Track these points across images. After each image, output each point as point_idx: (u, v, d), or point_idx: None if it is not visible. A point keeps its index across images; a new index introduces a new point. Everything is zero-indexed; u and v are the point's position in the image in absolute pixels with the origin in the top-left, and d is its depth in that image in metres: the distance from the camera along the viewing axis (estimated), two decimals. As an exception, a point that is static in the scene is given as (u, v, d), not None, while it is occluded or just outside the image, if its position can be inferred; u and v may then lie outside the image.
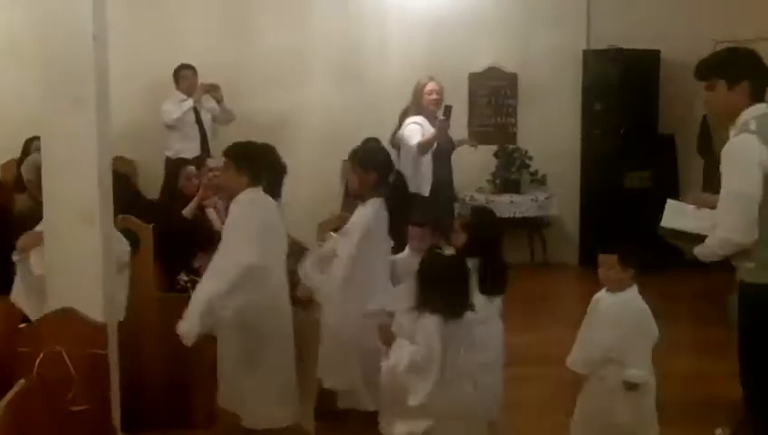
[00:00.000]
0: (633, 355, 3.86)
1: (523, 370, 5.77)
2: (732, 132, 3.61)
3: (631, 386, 3.84)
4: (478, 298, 4.00)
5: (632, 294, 3.96)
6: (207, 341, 4.85)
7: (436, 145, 6.58)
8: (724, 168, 3.50)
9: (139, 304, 4.81)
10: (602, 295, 4.01)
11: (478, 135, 8.22)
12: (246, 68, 8.51)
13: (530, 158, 8.54)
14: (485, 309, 4.11)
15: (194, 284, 5.59)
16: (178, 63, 8.05)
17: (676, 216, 3.87)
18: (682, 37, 8.40)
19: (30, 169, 6.05)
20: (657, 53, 8.45)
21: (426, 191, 6.58)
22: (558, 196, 8.48)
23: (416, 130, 6.57)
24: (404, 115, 6.79)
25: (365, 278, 4.55)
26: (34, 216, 4.29)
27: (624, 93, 8.37)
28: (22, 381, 3.07)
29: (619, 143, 8.35)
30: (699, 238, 3.62)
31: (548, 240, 8.59)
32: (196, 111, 8.04)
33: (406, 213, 4.80)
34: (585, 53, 8.71)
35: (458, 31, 8.55)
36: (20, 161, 6.92)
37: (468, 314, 3.79)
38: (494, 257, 4.33)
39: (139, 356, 4.63)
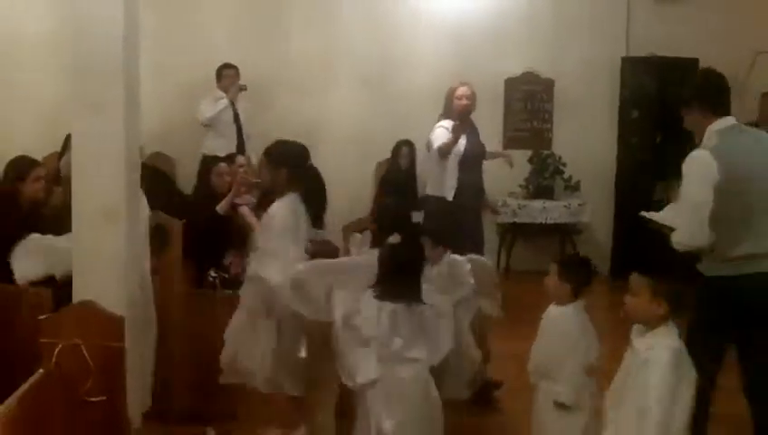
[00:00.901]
0: (561, 373, 3.77)
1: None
2: None
3: (559, 405, 3.76)
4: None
5: (570, 310, 3.82)
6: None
7: (463, 150, 6.61)
8: (683, 178, 3.86)
9: (167, 299, 4.93)
10: (551, 307, 3.93)
11: (513, 140, 8.25)
12: (276, 71, 8.62)
13: (564, 164, 8.51)
14: (445, 303, 4.09)
15: (223, 280, 5.70)
16: (210, 64, 8.20)
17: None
18: (721, 46, 8.32)
19: (66, 166, 6.19)
20: (695, 61, 8.37)
21: (449, 195, 6.62)
22: (591, 203, 8.43)
23: (441, 133, 6.60)
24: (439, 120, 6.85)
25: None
26: (68, 209, 4.40)
27: (662, 102, 8.30)
28: (41, 370, 3.18)
29: (655, 152, 8.29)
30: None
31: (579, 248, 8.55)
32: (233, 109, 8.16)
33: (321, 207, 4.80)
34: (623, 60, 8.66)
35: (493, 36, 8.56)
36: (60, 155, 7.08)
37: (422, 305, 3.83)
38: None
39: (165, 350, 4.75)
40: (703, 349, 3.60)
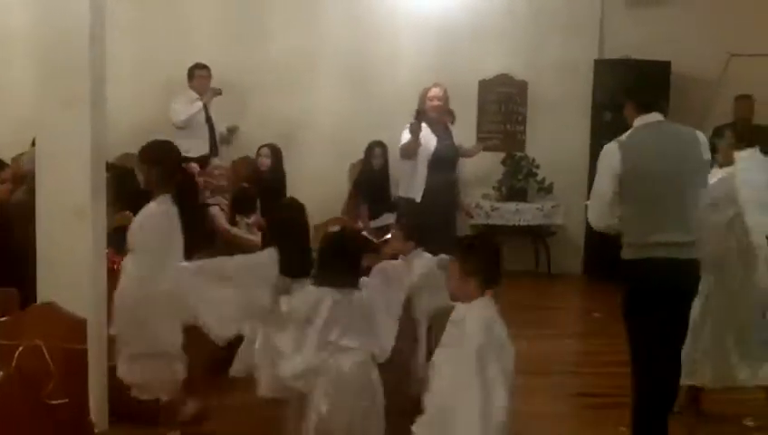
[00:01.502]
0: None
1: (522, 379, 5.78)
2: None
3: None
4: None
5: (475, 308, 3.40)
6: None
7: (433, 151, 6.58)
8: None
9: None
10: (458, 304, 3.58)
11: (486, 142, 8.22)
12: (257, 70, 8.57)
13: (537, 166, 8.53)
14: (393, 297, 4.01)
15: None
16: (190, 63, 8.10)
17: None
18: (694, 49, 8.38)
19: (29, 161, 6.10)
20: (667, 64, 8.40)
21: (417, 196, 6.59)
22: (564, 205, 8.45)
23: (407, 134, 6.55)
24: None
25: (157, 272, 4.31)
26: (32, 207, 4.33)
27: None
28: (0, 373, 3.10)
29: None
30: None
31: (552, 250, 8.55)
32: (206, 109, 8.08)
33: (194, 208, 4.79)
34: (596, 62, 8.68)
35: (469, 37, 8.55)
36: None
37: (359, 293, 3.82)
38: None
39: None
40: (640, 333, 4.04)
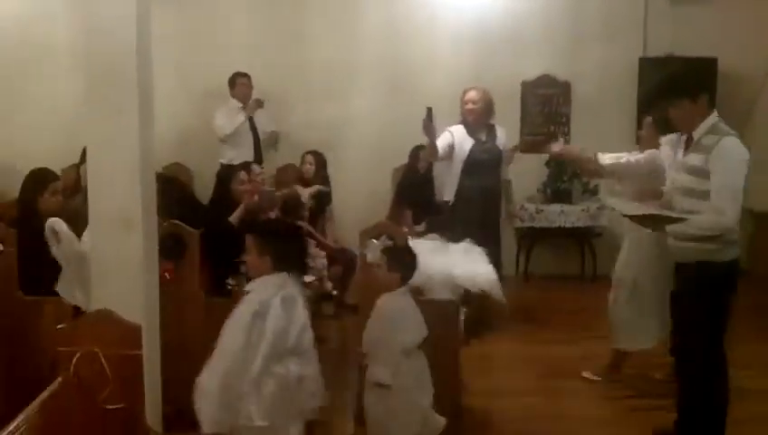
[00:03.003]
0: (379, 354, 4.09)
1: (564, 383, 5.78)
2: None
3: (379, 384, 4.05)
4: None
5: (395, 297, 4.17)
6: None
7: (467, 154, 6.59)
8: (717, 164, 4.10)
9: (185, 307, 4.94)
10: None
11: (530, 143, 8.21)
12: (297, 78, 8.67)
13: (582, 167, 8.47)
14: None
15: (241, 288, 5.71)
16: (231, 71, 8.20)
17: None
18: (740, 45, 8.29)
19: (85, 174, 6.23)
20: (714, 61, 8.32)
21: (448, 196, 6.69)
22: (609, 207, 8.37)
23: (442, 137, 6.59)
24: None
25: None
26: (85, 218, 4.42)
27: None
28: (59, 379, 3.18)
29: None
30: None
31: (598, 252, 8.48)
32: (250, 118, 8.17)
33: None
34: (641, 60, 8.62)
35: (510, 39, 8.55)
36: (79, 166, 7.13)
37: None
38: None
39: (183, 358, 4.74)
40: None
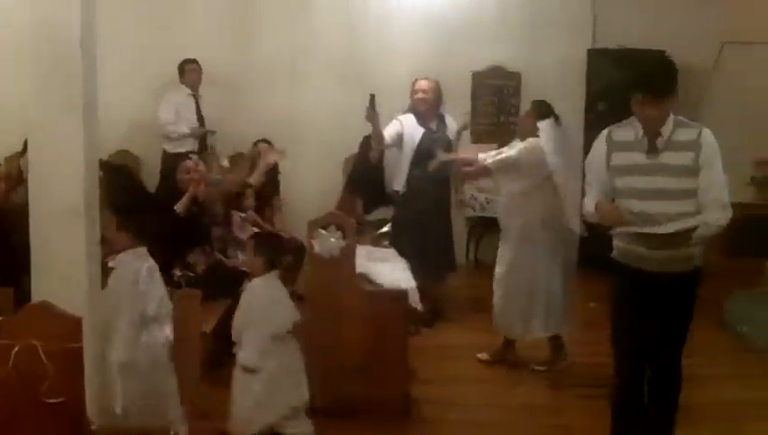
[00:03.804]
0: (245, 339, 4.24)
1: (514, 371, 5.82)
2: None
3: (245, 369, 4.20)
4: None
5: (260, 282, 4.34)
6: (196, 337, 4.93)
7: (417, 143, 6.59)
8: (711, 158, 3.90)
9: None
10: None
11: (481, 134, 8.24)
12: (249, 67, 8.59)
13: (532, 158, 8.51)
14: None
15: (187, 279, 5.66)
16: (181, 58, 8.11)
17: None
18: (687, 37, 8.38)
19: (27, 165, 6.12)
20: (662, 53, 8.37)
21: (398, 186, 6.73)
22: (560, 195, 8.42)
23: (391, 125, 6.62)
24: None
25: None
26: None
27: (628, 94, 8.30)
28: (-3, 373, 3.12)
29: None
30: None
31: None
32: (197, 105, 8.09)
33: None
34: (589, 52, 8.69)
35: (462, 30, 8.57)
36: (21, 155, 6.99)
37: None
38: None
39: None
40: None
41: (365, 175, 7.65)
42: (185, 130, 7.97)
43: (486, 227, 8.59)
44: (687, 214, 3.83)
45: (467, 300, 7.10)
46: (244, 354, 4.23)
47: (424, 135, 6.66)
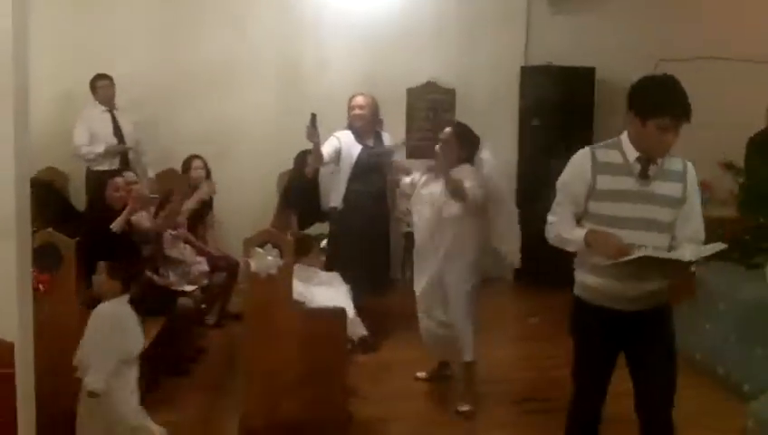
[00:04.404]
0: (92, 363, 4.18)
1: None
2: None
3: (90, 393, 4.14)
4: None
5: (109, 307, 4.34)
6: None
7: (355, 159, 6.58)
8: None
9: (62, 319, 4.73)
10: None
11: (416, 149, 8.24)
12: (182, 77, 8.37)
13: (467, 173, 8.54)
14: None
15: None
16: (114, 72, 7.95)
17: None
18: (618, 55, 8.53)
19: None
20: (592, 70, 8.55)
21: (335, 203, 6.69)
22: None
23: (329, 142, 6.56)
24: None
25: None
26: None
27: (560, 110, 8.44)
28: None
29: (555, 159, 8.35)
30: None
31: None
32: (114, 121, 7.93)
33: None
34: (522, 69, 8.78)
35: (397, 45, 8.55)
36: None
37: None
38: None
39: (59, 371, 4.55)
40: None
41: (300, 191, 7.57)
42: (99, 149, 7.77)
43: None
44: (666, 248, 3.64)
45: (405, 316, 7.08)
46: (90, 379, 4.16)
47: (362, 151, 6.64)
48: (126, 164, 7.71)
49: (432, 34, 8.67)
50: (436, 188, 5.45)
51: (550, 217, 3.85)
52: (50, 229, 4.83)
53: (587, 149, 3.80)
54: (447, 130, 5.56)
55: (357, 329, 5.42)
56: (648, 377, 3.76)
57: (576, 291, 3.87)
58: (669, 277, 3.67)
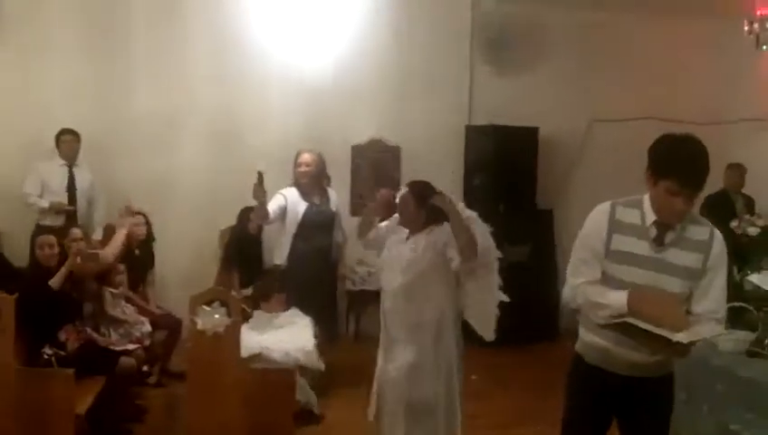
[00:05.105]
0: None
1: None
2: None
3: None
4: None
5: None
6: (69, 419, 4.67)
7: (301, 217, 6.55)
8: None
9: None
10: None
11: (360, 206, 8.22)
12: (119, 132, 8.18)
13: (412, 230, 8.54)
14: None
15: (59, 358, 5.36)
16: (47, 127, 7.80)
17: None
18: (559, 115, 8.70)
19: None
20: (535, 130, 8.68)
21: (279, 260, 6.63)
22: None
23: (274, 199, 6.50)
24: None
25: None
26: None
27: (504, 169, 8.52)
28: None
29: (499, 218, 8.39)
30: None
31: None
32: (71, 177, 7.78)
33: None
34: (467, 128, 8.88)
35: (341, 102, 8.55)
36: None
37: None
38: None
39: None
40: None
41: (243, 248, 7.49)
42: (44, 204, 7.62)
43: (368, 300, 8.52)
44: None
45: (348, 373, 6.98)
46: None
47: (307, 209, 6.61)
48: (73, 221, 7.53)
49: (377, 91, 8.70)
50: (406, 249, 4.76)
51: (573, 279, 3.48)
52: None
53: (607, 203, 3.50)
54: (403, 190, 4.90)
55: (315, 363, 5.32)
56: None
57: (577, 347, 3.65)
58: (657, 352, 3.34)
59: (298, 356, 5.74)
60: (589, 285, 3.41)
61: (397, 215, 4.91)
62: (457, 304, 4.70)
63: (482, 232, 4.52)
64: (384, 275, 4.84)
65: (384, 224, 5.04)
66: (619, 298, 3.27)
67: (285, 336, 5.37)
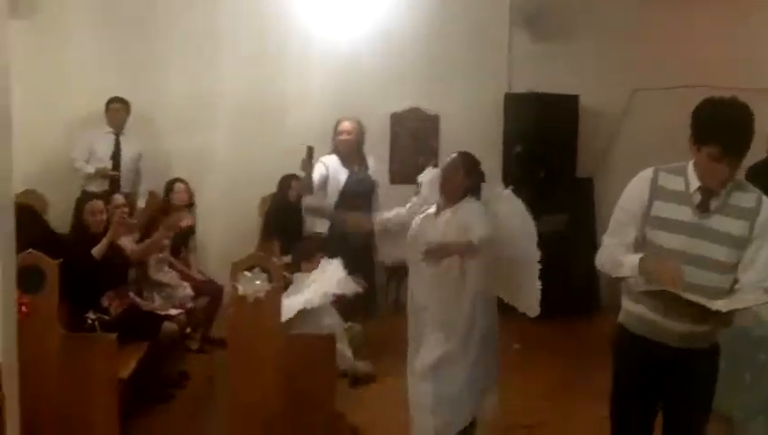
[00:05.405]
0: None
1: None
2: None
3: None
4: None
5: None
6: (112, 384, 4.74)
7: (342, 186, 6.55)
8: None
9: (43, 343, 4.65)
10: None
11: (399, 175, 8.23)
12: (163, 106, 8.37)
13: (450, 199, 8.52)
14: None
15: (102, 323, 5.44)
16: (92, 101, 7.97)
17: None
18: (599, 83, 8.58)
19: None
20: (575, 98, 8.58)
21: (321, 228, 6.73)
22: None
23: (316, 168, 6.49)
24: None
25: None
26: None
27: (544, 137, 8.44)
28: None
29: (538, 186, 8.32)
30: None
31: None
32: (117, 145, 7.89)
33: None
34: (506, 96, 8.80)
35: (380, 72, 8.53)
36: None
37: None
38: None
39: (39, 395, 4.47)
40: None
41: (283, 216, 7.52)
42: (90, 169, 7.74)
43: (406, 271, 8.52)
44: (725, 290, 3.29)
45: (389, 342, 7.00)
46: None
47: (348, 177, 6.61)
48: (116, 187, 7.64)
49: (415, 61, 8.66)
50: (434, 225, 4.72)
51: (606, 239, 3.49)
52: (32, 251, 4.73)
53: (651, 169, 3.42)
54: (453, 157, 4.88)
55: (351, 287, 5.89)
56: (674, 409, 3.52)
57: (620, 318, 3.57)
58: (699, 322, 3.27)
59: (334, 290, 6.01)
60: (615, 246, 3.40)
61: (423, 192, 5.01)
62: (486, 280, 4.63)
63: (483, 223, 4.54)
64: (411, 250, 4.82)
65: (410, 204, 5.16)
66: (633, 259, 3.27)
67: (319, 283, 5.46)
